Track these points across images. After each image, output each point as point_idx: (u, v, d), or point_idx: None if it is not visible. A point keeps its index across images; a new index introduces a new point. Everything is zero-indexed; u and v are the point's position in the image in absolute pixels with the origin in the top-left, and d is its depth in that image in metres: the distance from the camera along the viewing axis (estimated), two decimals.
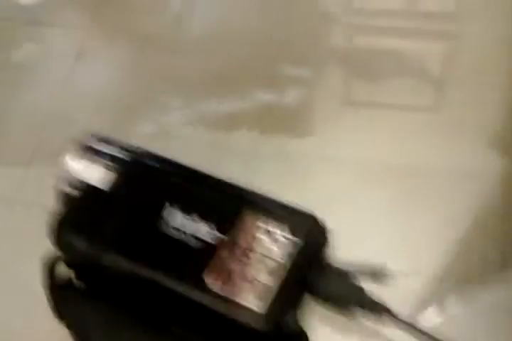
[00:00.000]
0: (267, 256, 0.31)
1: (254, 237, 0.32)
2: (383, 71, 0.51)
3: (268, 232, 0.32)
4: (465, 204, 0.41)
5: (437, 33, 0.54)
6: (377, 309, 0.32)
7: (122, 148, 0.36)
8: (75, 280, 0.35)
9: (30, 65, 0.57)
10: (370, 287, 0.33)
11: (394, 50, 0.52)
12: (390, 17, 0.56)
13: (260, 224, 0.32)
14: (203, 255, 0.31)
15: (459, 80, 0.49)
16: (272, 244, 0.31)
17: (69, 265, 0.34)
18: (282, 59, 0.54)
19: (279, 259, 0.31)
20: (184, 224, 0.32)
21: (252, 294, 0.30)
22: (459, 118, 0.46)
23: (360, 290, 0.33)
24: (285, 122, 0.50)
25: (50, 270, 0.34)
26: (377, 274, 0.33)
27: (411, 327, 0.32)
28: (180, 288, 0.30)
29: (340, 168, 0.45)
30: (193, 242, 0.31)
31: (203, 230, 0.32)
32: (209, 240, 0.31)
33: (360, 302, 0.32)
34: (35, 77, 0.56)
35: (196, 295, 0.30)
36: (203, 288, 0.30)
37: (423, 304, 0.37)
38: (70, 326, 0.33)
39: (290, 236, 0.31)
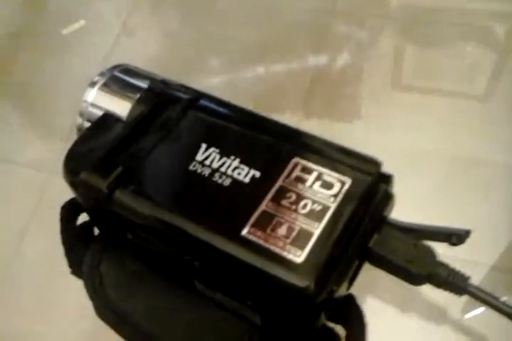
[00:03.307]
0: (317, 204, 0.25)
1: (304, 183, 0.26)
2: (439, 39, 0.47)
3: (321, 178, 0.26)
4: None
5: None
6: (452, 277, 0.26)
7: (153, 78, 0.31)
8: (93, 228, 0.30)
9: (79, 33, 0.57)
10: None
11: (453, 14, 0.48)
12: None
13: (313, 168, 0.26)
14: (242, 201, 0.26)
15: None
16: (325, 192, 0.25)
17: (87, 209, 0.30)
18: (332, 23, 0.50)
19: (331, 207, 0.25)
20: (222, 166, 0.26)
21: (291, 244, 0.24)
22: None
23: (434, 254, 0.26)
24: (333, 101, 0.46)
25: (67, 214, 0.30)
26: (456, 235, 0.27)
27: (493, 299, 0.25)
28: (211, 238, 0.25)
29: (384, 154, 0.40)
30: (230, 186, 0.26)
31: (244, 174, 0.26)
32: (250, 185, 0.26)
33: (433, 269, 0.26)
34: (83, 45, 0.56)
35: (228, 245, 0.24)
36: (237, 237, 0.24)
37: None
38: (84, 278, 0.29)
39: (348, 183, 0.26)
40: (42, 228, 0.43)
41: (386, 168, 0.39)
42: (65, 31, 0.57)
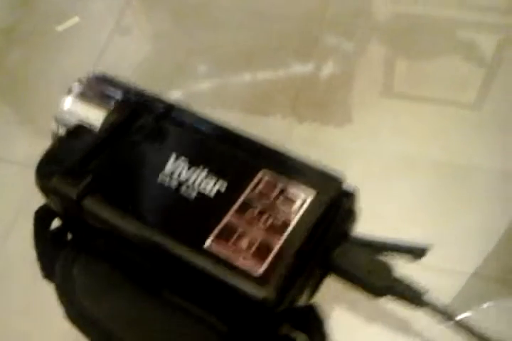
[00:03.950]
0: (279, 218, 0.26)
1: (268, 197, 0.27)
2: (428, 50, 0.48)
3: (285, 193, 0.27)
4: (503, 204, 0.38)
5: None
6: (411, 291, 0.26)
7: (128, 89, 0.32)
8: (66, 234, 0.31)
9: (72, 32, 0.57)
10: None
11: (442, 26, 0.48)
12: None
13: (277, 183, 0.27)
14: (207, 213, 0.26)
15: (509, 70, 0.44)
16: (288, 207, 0.26)
17: (59, 215, 0.30)
18: (320, 32, 0.50)
19: (292, 222, 0.26)
20: (189, 178, 0.27)
21: (252, 257, 0.25)
22: (502, 116, 0.43)
23: (392, 268, 0.27)
24: (322, 106, 0.46)
25: (40, 219, 0.31)
26: (415, 251, 0.27)
27: (448, 313, 0.26)
28: (176, 248, 0.26)
29: (373, 160, 0.42)
30: (195, 198, 0.27)
31: (210, 186, 0.27)
32: (215, 197, 0.27)
33: (391, 281, 0.27)
34: (76, 44, 0.56)
35: (191, 256, 0.25)
36: (200, 248, 0.25)
37: (455, 301, 0.33)
38: (56, 282, 0.29)
39: (310, 199, 0.26)
40: (29, 226, 0.44)
41: (376, 173, 0.40)
42: (60, 28, 0.57)
